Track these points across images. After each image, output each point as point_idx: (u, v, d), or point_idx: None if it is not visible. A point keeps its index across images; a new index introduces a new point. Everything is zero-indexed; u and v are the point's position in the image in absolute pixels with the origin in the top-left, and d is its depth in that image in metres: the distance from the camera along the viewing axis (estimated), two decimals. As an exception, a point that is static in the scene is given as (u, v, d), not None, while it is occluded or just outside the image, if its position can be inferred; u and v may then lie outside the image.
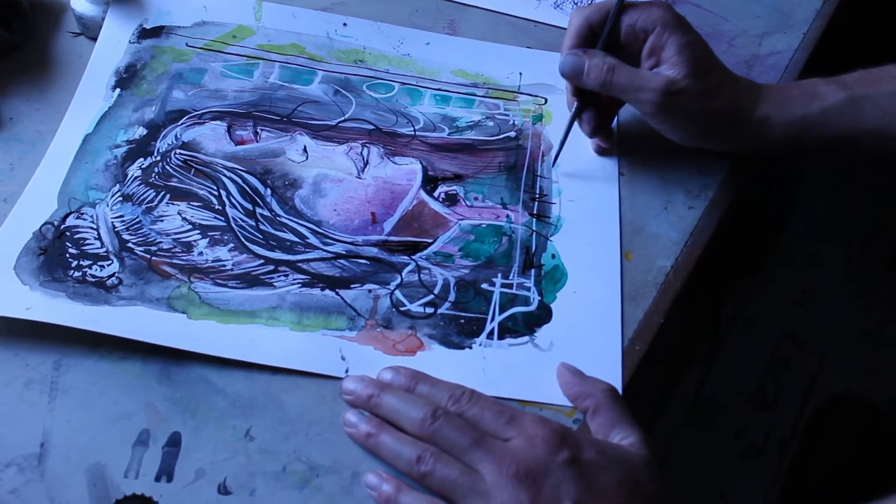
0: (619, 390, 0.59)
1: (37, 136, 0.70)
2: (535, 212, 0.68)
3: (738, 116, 0.68)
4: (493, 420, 0.55)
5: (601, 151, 0.73)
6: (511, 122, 0.74)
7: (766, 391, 1.52)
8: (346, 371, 0.59)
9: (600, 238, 0.67)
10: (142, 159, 0.69)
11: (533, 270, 0.65)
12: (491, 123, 0.74)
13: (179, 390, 0.58)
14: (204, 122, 0.72)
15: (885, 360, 1.55)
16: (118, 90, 0.73)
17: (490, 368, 0.59)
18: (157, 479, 0.54)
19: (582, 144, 0.72)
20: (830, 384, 1.52)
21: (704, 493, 1.39)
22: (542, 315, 0.62)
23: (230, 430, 0.56)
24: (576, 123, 0.71)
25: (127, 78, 0.74)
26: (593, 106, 0.71)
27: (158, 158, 0.69)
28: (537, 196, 0.69)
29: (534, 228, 0.67)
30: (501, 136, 0.73)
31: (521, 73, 0.77)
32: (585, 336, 0.61)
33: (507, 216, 0.67)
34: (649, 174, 0.72)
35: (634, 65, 0.67)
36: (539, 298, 0.63)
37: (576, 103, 0.70)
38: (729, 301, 1.54)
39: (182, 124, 0.71)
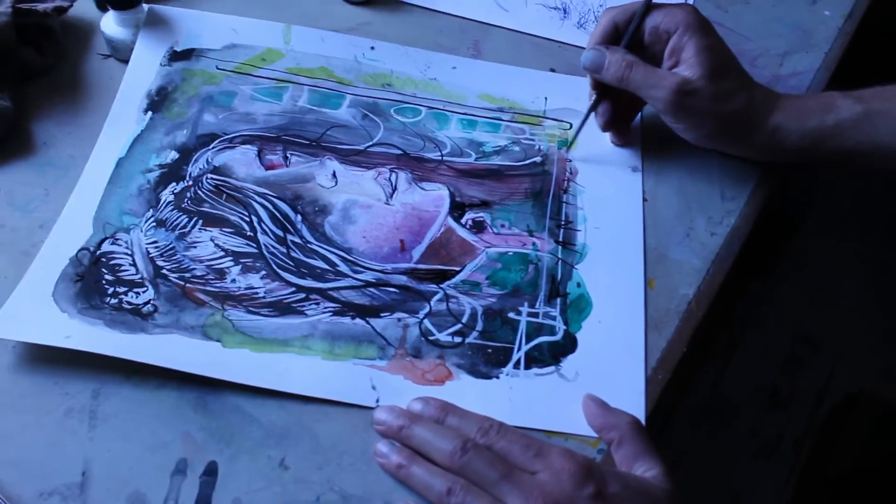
0: (643, 420, 0.60)
1: (70, 160, 0.72)
2: (560, 239, 0.69)
3: (751, 122, 0.70)
4: (521, 453, 0.56)
5: (618, 144, 0.76)
6: (537, 147, 0.75)
7: (781, 390, 1.53)
8: (377, 401, 0.60)
9: (625, 266, 0.68)
10: (174, 184, 0.70)
11: (559, 299, 0.66)
12: (517, 148, 0.75)
13: (215, 420, 0.59)
14: (235, 146, 0.73)
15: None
16: (150, 113, 0.74)
17: (517, 399, 0.61)
18: (195, 507, 0.56)
19: (607, 169, 0.73)
20: (845, 384, 1.53)
21: (718, 491, 1.40)
22: (568, 345, 0.64)
23: (265, 460, 0.58)
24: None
25: (158, 101, 0.75)
26: (611, 100, 0.74)
27: (190, 183, 0.70)
28: (563, 223, 0.70)
29: (559, 256, 0.68)
30: (527, 162, 0.74)
31: (546, 98, 0.78)
32: (610, 366, 0.63)
33: (534, 244, 0.69)
34: (672, 200, 0.73)
35: (657, 65, 0.71)
36: (564, 328, 0.64)
37: (594, 95, 0.74)
38: (745, 300, 1.55)
39: (213, 148, 0.72)
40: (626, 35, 0.72)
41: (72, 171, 0.71)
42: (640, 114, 0.77)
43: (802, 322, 1.60)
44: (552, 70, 0.81)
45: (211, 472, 0.57)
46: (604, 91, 0.73)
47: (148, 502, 0.56)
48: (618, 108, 0.75)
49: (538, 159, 0.74)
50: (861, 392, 1.50)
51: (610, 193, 0.72)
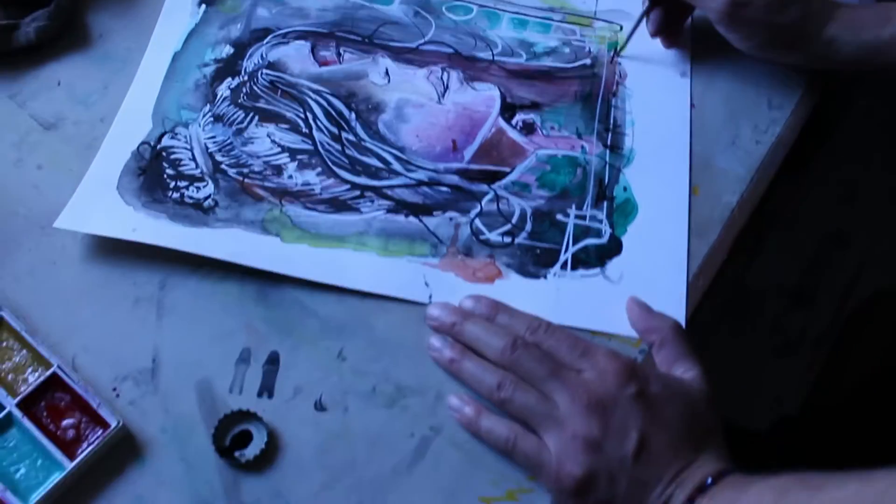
0: (683, 323, 0.63)
1: (126, 53, 0.73)
2: (608, 143, 0.70)
3: (806, 33, 0.70)
4: (568, 352, 0.59)
5: (667, 47, 0.76)
6: (587, 49, 0.75)
7: (806, 288, 1.55)
8: (430, 297, 0.63)
9: (671, 172, 0.69)
10: (230, 79, 0.71)
11: (605, 203, 0.67)
12: (567, 50, 0.75)
13: (275, 311, 0.62)
14: (288, 42, 0.74)
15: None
16: (203, 6, 0.75)
17: (563, 298, 0.63)
18: (259, 394, 0.59)
19: (656, 74, 0.74)
20: (872, 283, 1.55)
21: (737, 385, 1.44)
22: (613, 248, 0.66)
23: (324, 351, 0.61)
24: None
25: (212, -6, 0.75)
26: (663, 6, 0.74)
27: (246, 79, 0.71)
28: (611, 127, 0.71)
29: (607, 160, 0.69)
30: (577, 64, 0.74)
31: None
32: (653, 270, 0.65)
33: (582, 147, 0.70)
34: (719, 107, 0.73)
35: None
36: (610, 231, 0.66)
37: (646, 1, 0.74)
38: (775, 195, 1.56)
39: (267, 43, 0.73)
40: None
41: (129, 64, 0.72)
42: (690, 17, 0.76)
43: (832, 219, 1.61)
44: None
45: (273, 361, 0.61)
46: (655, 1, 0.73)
47: (215, 388, 0.60)
48: (669, 13, 0.74)
49: (588, 61, 0.74)
50: (887, 290, 1.52)
51: (658, 98, 0.73)
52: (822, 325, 1.52)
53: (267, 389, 0.60)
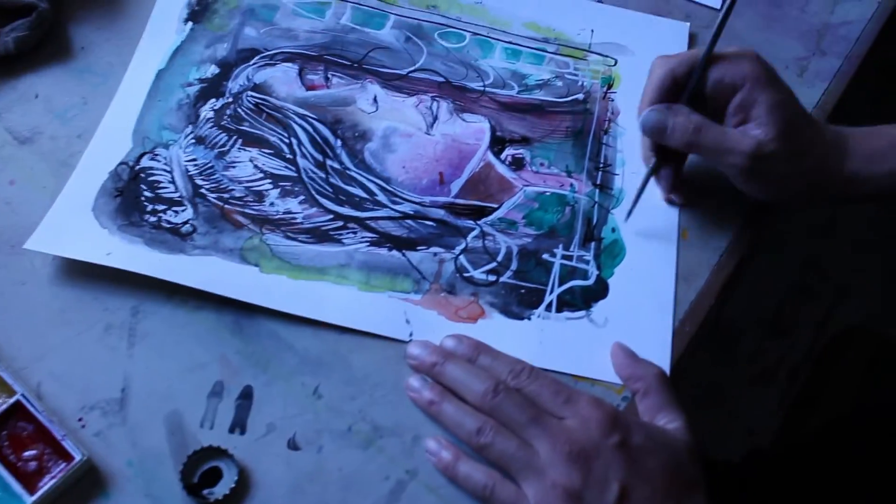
0: (668, 370, 0.62)
1: (108, 67, 0.71)
2: (598, 182, 0.69)
3: (827, 175, 0.66)
4: (551, 398, 0.58)
5: (680, 205, 0.70)
6: (580, 83, 0.74)
7: (784, 318, 1.55)
8: (411, 335, 0.61)
9: (660, 214, 0.68)
10: (214, 100, 0.70)
11: (593, 243, 0.66)
12: (560, 83, 0.74)
13: (251, 344, 0.61)
14: (275, 64, 0.72)
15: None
16: (190, 23, 0.73)
17: (547, 341, 0.62)
18: (231, 430, 0.58)
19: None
20: (848, 316, 1.55)
21: (713, 411, 1.44)
22: (599, 290, 0.64)
23: (299, 387, 0.59)
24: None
25: (199, 11, 0.73)
26: (672, 163, 0.68)
27: (231, 100, 0.70)
28: (601, 165, 0.70)
29: (596, 200, 0.68)
30: (569, 99, 0.73)
31: (592, 31, 0.77)
32: (639, 314, 0.64)
33: (571, 185, 0.69)
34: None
35: (718, 118, 0.65)
36: (597, 273, 0.65)
37: (653, 160, 0.67)
38: (756, 224, 1.56)
39: (254, 64, 0.72)
40: (686, 90, 0.64)
41: (111, 79, 0.70)
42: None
43: (813, 250, 1.61)
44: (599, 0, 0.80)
45: (246, 395, 0.59)
46: (665, 155, 0.67)
47: (185, 422, 0.58)
48: (677, 167, 0.69)
49: (580, 96, 0.73)
50: (860, 326, 1.52)
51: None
52: (798, 355, 1.52)
53: (239, 425, 0.58)
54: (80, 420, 0.57)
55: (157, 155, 0.67)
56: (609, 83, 0.74)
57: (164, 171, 0.66)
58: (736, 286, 0.68)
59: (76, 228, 0.62)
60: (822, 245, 1.62)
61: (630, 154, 0.70)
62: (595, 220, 0.67)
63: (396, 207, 0.66)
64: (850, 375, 1.46)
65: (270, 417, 0.58)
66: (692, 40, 0.77)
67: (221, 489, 0.55)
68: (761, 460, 1.24)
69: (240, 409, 0.58)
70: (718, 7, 0.79)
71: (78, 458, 0.54)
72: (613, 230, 0.67)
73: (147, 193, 0.65)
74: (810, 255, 1.61)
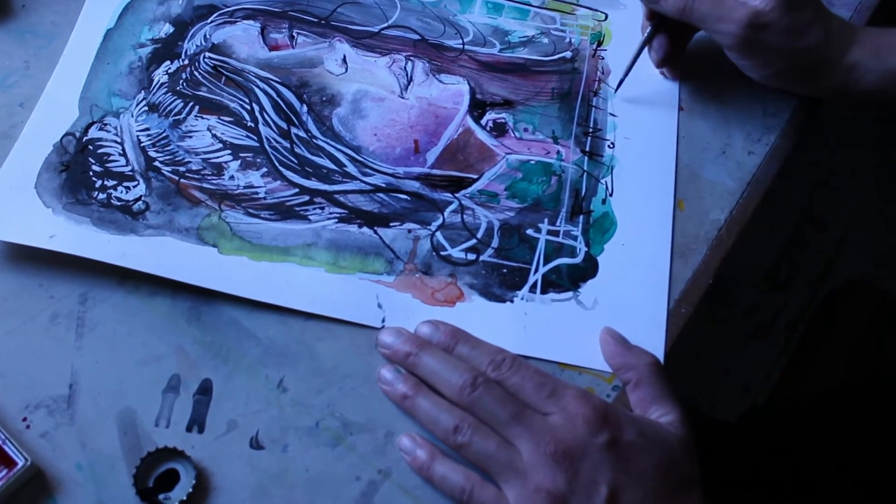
0: (662, 355, 0.57)
1: (53, 28, 0.65)
2: (587, 149, 0.64)
3: (827, 59, 0.63)
4: (534, 392, 0.53)
5: (672, 78, 0.68)
6: (567, 39, 0.68)
7: (781, 271, 1.51)
8: (383, 321, 0.57)
9: (654, 184, 0.63)
10: (168, 62, 0.64)
11: (581, 217, 0.61)
12: (546, 41, 0.68)
13: (210, 333, 0.56)
14: (235, 21, 0.66)
15: (905, 249, 1.54)
16: (141, -23, 0.67)
17: (531, 325, 0.57)
18: (189, 429, 0.53)
19: (643, 69, 0.67)
20: (846, 269, 1.51)
21: (708, 366, 1.41)
22: (588, 269, 0.60)
23: (262, 380, 0.55)
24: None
25: (151, -37, 0.67)
26: (667, 32, 0.65)
27: (186, 62, 0.64)
28: (591, 131, 0.64)
29: (585, 168, 0.63)
30: (556, 57, 0.67)
31: (581, -19, 0.71)
32: (631, 295, 0.59)
33: (558, 152, 0.63)
34: (709, 111, 0.67)
35: None
36: (585, 249, 0.60)
37: (649, 28, 0.65)
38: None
39: (212, 22, 0.66)
40: None
41: (55, 40, 0.64)
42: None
43: (811, 203, 1.57)
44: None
45: (205, 390, 0.54)
46: (660, 23, 0.65)
47: (139, 420, 0.53)
48: (674, 40, 0.67)
49: (568, 54, 0.67)
50: (858, 280, 1.48)
51: (643, 98, 0.66)
52: (795, 310, 1.48)
53: (197, 423, 0.53)
54: (24, 420, 0.53)
55: (106, 124, 0.61)
56: (599, 40, 0.68)
57: (115, 142, 0.60)
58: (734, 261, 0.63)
59: (17, 208, 0.57)
60: (820, 197, 1.57)
61: (622, 117, 0.65)
62: (584, 192, 0.62)
63: (367, 180, 0.61)
64: (848, 331, 1.43)
65: (231, 414, 0.54)
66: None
67: (178, 494, 0.51)
68: (758, 419, 1.21)
69: (198, 406, 0.54)
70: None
71: (21, 463, 0.50)
72: (604, 202, 0.62)
73: (95, 168, 0.59)
74: (807, 207, 1.56)
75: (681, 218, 0.62)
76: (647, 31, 0.65)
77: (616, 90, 0.66)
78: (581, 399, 0.53)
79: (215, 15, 0.66)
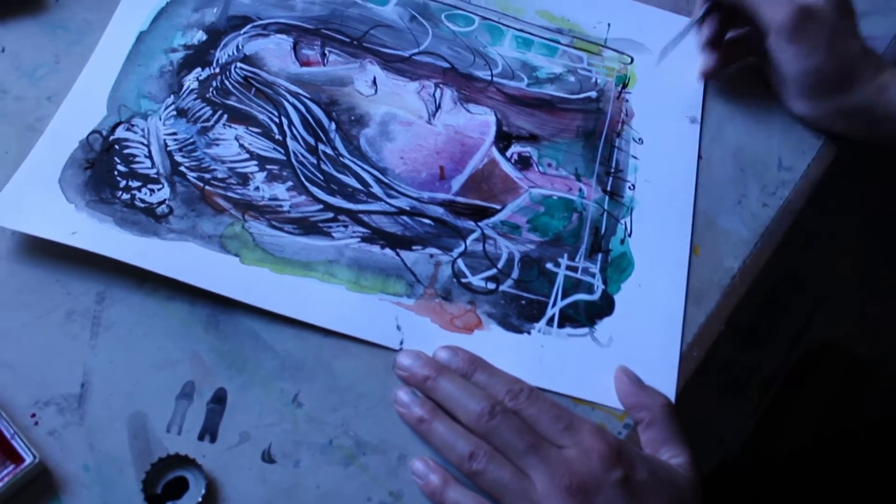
0: (673, 396, 0.58)
1: (85, 25, 0.65)
2: (608, 188, 0.64)
3: (862, 70, 0.66)
4: (551, 424, 0.53)
5: (704, 75, 0.71)
6: (594, 79, 0.69)
7: (759, 329, 1.53)
8: (401, 343, 0.57)
9: (672, 228, 0.64)
10: (199, 69, 0.64)
11: (600, 255, 0.62)
12: (572, 79, 0.69)
13: (227, 342, 0.55)
14: (268, 35, 0.66)
15: (881, 312, 1.56)
16: (178, -17, 0.67)
17: (547, 358, 0.58)
18: (201, 437, 0.52)
19: (666, 117, 0.68)
20: (823, 330, 1.53)
21: (686, 418, 1.41)
22: (605, 306, 0.60)
23: (277, 393, 0.54)
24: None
25: (189, -30, 0.67)
26: (720, 16, 0.69)
27: (217, 71, 0.64)
28: (613, 171, 0.65)
29: (605, 208, 0.64)
30: (582, 96, 0.68)
31: (609, 25, 0.72)
32: (645, 335, 0.59)
33: (580, 190, 0.64)
34: (727, 161, 0.68)
35: None
36: (603, 287, 0.61)
37: (704, 7, 0.69)
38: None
39: (245, 34, 0.66)
40: None
41: (87, 37, 0.64)
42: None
43: (792, 263, 1.59)
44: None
45: (219, 399, 0.54)
46: (717, 3, 0.68)
47: (150, 425, 0.52)
48: (724, 27, 0.70)
49: (593, 94, 0.69)
50: (832, 343, 1.50)
51: (665, 144, 0.67)
52: (771, 368, 1.50)
53: (210, 432, 0.53)
54: (33, 416, 0.52)
55: (133, 125, 0.61)
56: (624, 82, 0.70)
57: (141, 143, 0.60)
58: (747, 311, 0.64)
59: (40, 202, 0.56)
60: (801, 258, 1.60)
61: (644, 160, 0.66)
62: (603, 230, 0.63)
63: (392, 202, 0.61)
64: (818, 393, 1.45)
65: (244, 425, 0.53)
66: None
67: (187, 503, 0.50)
68: (732, 473, 1.22)
69: (211, 414, 0.53)
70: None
71: (28, 460, 0.49)
72: (622, 242, 0.63)
73: (121, 168, 0.59)
74: (789, 268, 1.59)
75: (696, 263, 0.63)
76: (703, 8, 0.69)
77: (659, 61, 0.70)
78: (597, 435, 0.53)
79: (249, 27, 0.66)
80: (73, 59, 0.63)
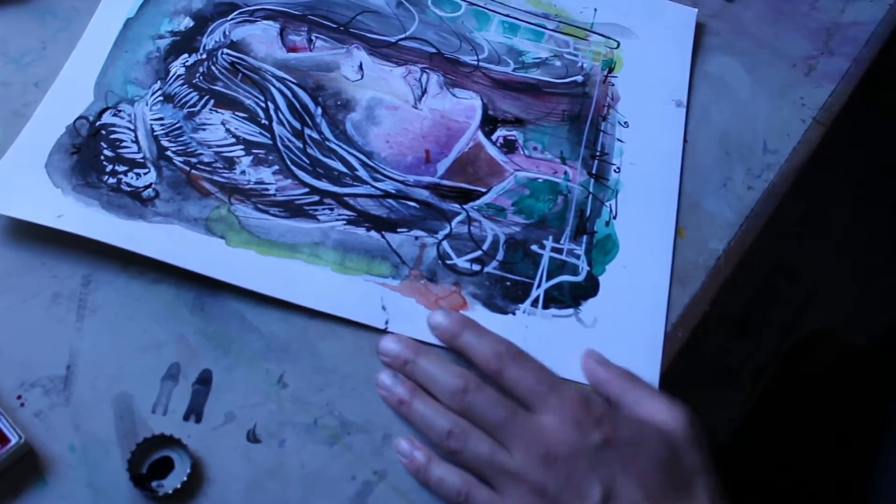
0: (657, 377, 0.58)
1: (72, 12, 0.65)
2: (594, 171, 0.65)
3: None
4: (532, 386, 0.53)
5: None
6: (580, 64, 0.69)
7: (751, 318, 1.53)
8: (387, 322, 0.57)
9: (657, 210, 0.64)
10: (186, 55, 0.64)
11: (585, 237, 0.62)
12: (558, 63, 0.69)
13: (213, 324, 0.56)
14: (255, 21, 0.66)
15: (873, 300, 1.57)
16: (165, -30, 0.67)
17: (532, 338, 0.58)
18: (186, 417, 0.53)
19: (652, 100, 0.69)
20: (815, 319, 1.53)
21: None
22: (590, 287, 0.60)
23: (263, 374, 0.55)
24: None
25: (176, -44, 0.68)
26: None
27: (204, 57, 0.64)
28: (598, 154, 0.65)
29: (591, 190, 0.64)
30: (568, 81, 0.68)
31: (595, 9, 0.72)
32: (630, 316, 0.60)
33: (566, 172, 0.64)
34: (712, 145, 0.68)
35: None
36: (588, 269, 0.61)
37: None
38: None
39: (232, 20, 0.66)
40: None
41: (74, 24, 0.64)
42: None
43: (784, 252, 1.59)
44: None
45: (205, 380, 0.54)
46: None
47: (135, 406, 0.53)
48: None
49: (579, 78, 0.69)
50: (824, 330, 1.51)
51: (651, 127, 0.67)
52: (763, 357, 1.50)
53: (195, 412, 0.53)
54: (18, 398, 0.52)
55: (120, 111, 0.61)
56: (610, 67, 0.70)
57: (128, 129, 0.60)
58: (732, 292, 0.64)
59: (26, 186, 0.57)
60: (794, 247, 1.60)
61: (629, 143, 0.66)
62: (588, 213, 0.63)
63: (377, 185, 0.61)
64: (810, 380, 1.45)
65: (230, 406, 0.54)
66: (699, 30, 0.72)
67: (172, 482, 0.50)
68: (722, 459, 1.22)
69: (196, 395, 0.54)
70: (727, -5, 0.75)
71: (14, 440, 0.49)
72: (607, 224, 0.63)
73: (107, 152, 0.59)
74: (781, 256, 1.59)
75: (681, 245, 0.63)
76: None
77: None
78: (576, 399, 0.53)
79: (236, 13, 0.66)
80: (60, 45, 0.63)
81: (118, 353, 0.54)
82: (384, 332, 0.57)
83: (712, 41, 0.74)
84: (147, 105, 0.61)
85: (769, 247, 1.58)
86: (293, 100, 0.63)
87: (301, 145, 0.62)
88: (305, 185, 0.60)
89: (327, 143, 0.62)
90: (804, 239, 1.60)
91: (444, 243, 0.60)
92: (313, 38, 0.66)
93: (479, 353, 0.55)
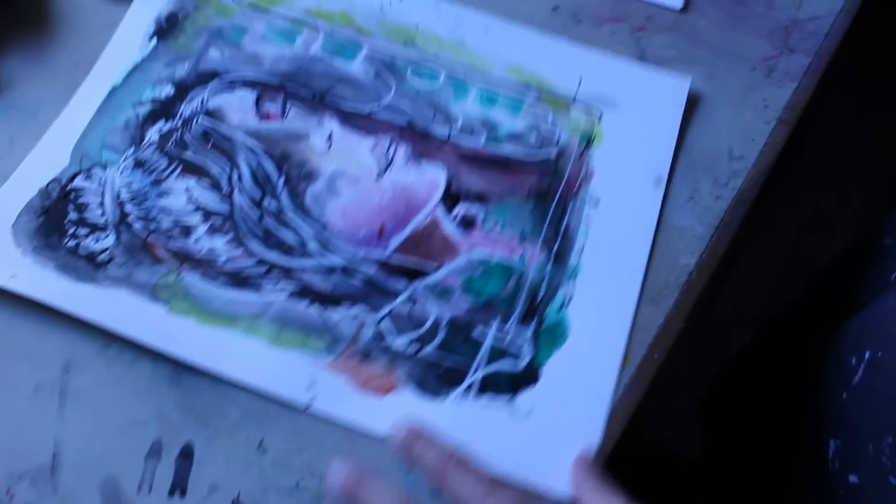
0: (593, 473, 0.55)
1: (37, 104, 0.67)
2: (553, 251, 0.62)
3: None
4: (471, 490, 0.52)
5: None
6: (556, 137, 0.67)
7: (771, 313, 1.46)
8: (311, 400, 0.57)
9: (615, 299, 0.61)
10: (163, 121, 0.66)
11: (533, 323, 0.60)
12: (533, 137, 0.67)
13: (190, 397, 0.57)
14: (233, 90, 0.68)
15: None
16: (154, 40, 0.69)
17: (459, 429, 0.56)
18: (171, 493, 0.54)
19: (625, 180, 0.66)
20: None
21: (687, 407, 1.36)
22: (529, 377, 0.58)
23: (243, 441, 0.56)
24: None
25: (167, 28, 0.70)
26: None
27: (179, 125, 0.66)
28: (561, 233, 0.63)
29: (547, 272, 0.62)
30: (540, 156, 0.66)
31: (580, 80, 0.70)
32: (569, 408, 0.57)
33: (522, 254, 0.62)
34: (676, 158, 0.67)
35: None
36: (531, 356, 0.59)
37: None
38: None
39: (210, 88, 0.68)
40: None
41: (40, 115, 0.66)
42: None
43: (799, 244, 1.52)
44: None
45: (187, 454, 0.55)
46: None
47: (121, 487, 0.54)
48: None
49: (553, 152, 0.66)
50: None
51: (623, 206, 0.64)
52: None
53: (179, 487, 0.55)
54: (8, 491, 0.54)
55: (91, 175, 0.64)
56: (588, 140, 0.67)
57: (96, 193, 0.63)
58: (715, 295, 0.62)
59: (-11, 247, 0.60)
60: (808, 238, 1.53)
61: (596, 225, 0.63)
62: (541, 297, 0.61)
63: (326, 258, 0.61)
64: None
65: (213, 477, 0.55)
66: (691, 101, 0.69)
67: (156, 559, 0.52)
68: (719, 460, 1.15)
69: (180, 470, 0.55)
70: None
71: (1, 533, 0.52)
72: (560, 309, 0.60)
73: (72, 215, 0.62)
74: (796, 249, 1.51)
75: (652, 265, 0.62)
76: None
77: None
78: (515, 499, 0.52)
79: (214, 81, 0.68)
80: (27, 137, 0.65)
81: (101, 435, 0.56)
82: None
83: (668, 54, 0.72)
84: (118, 170, 0.64)
85: (786, 238, 1.47)
86: (256, 169, 0.64)
87: (258, 215, 0.63)
88: (254, 255, 0.61)
89: (283, 214, 0.63)
90: (820, 227, 1.51)
91: (384, 322, 0.59)
92: (288, 106, 0.67)
93: (426, 461, 0.54)
